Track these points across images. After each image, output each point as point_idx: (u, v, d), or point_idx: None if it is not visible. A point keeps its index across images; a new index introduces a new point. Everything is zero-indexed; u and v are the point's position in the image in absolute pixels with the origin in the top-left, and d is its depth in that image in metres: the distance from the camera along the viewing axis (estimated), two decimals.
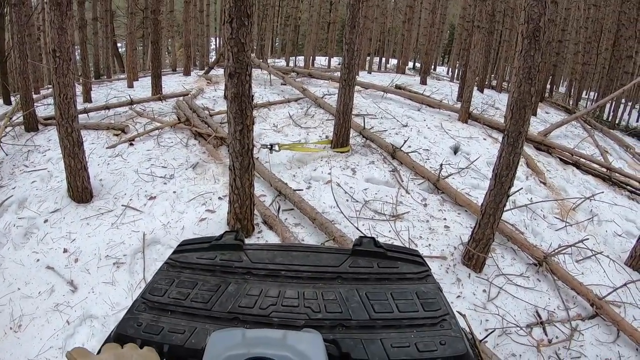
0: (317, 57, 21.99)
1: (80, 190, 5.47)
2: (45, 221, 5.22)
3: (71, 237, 4.93)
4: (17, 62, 8.05)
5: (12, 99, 11.26)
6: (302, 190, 5.78)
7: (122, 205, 5.45)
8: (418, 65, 22.51)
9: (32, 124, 8.04)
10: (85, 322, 3.98)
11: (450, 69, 23.09)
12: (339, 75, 6.68)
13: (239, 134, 4.23)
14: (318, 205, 5.40)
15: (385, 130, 7.71)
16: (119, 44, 22.53)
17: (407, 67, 18.42)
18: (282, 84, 10.67)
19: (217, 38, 24.78)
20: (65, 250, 4.74)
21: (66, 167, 5.39)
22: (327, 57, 22.28)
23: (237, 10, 3.84)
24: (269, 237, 4.86)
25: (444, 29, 21.01)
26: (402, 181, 6.23)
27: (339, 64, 21.90)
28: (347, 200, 5.69)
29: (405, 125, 8.06)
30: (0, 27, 11.72)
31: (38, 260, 4.64)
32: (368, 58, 19.42)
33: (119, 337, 1.00)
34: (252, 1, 3.98)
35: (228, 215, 4.87)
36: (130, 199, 5.58)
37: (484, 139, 8.17)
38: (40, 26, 17.73)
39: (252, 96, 4.28)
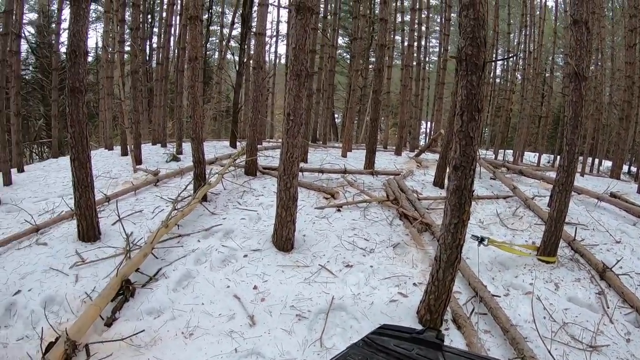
0: (525, 152, 21.12)
1: (284, 239, 6.12)
2: (245, 256, 5.93)
3: (264, 277, 5.48)
4: (249, 115, 9.89)
5: (238, 143, 13.33)
6: (499, 296, 5.48)
7: (318, 265, 5.87)
8: (633, 169, 20.14)
9: (252, 170, 9.51)
10: (251, 356, 4.25)
11: None
12: (552, 175, 6.21)
13: (453, 227, 4.26)
14: (513, 316, 5.02)
15: (596, 245, 6.91)
16: (335, 115, 25.11)
17: (622, 171, 16.35)
18: (491, 178, 10.57)
19: (428, 122, 25.84)
20: (255, 287, 5.27)
21: (277, 216, 6.13)
22: (537, 154, 21.21)
23: (468, 103, 3.99)
24: (455, 337, 4.65)
25: None
26: (608, 307, 5.44)
27: (548, 162, 21.01)
28: (545, 317, 5.16)
29: (619, 242, 7.09)
30: (238, 84, 14.62)
31: (228, 287, 5.24)
32: (581, 158, 17.84)
33: None
34: (483, 96, 4.06)
35: (420, 304, 4.85)
36: (328, 261, 5.98)
37: None
38: (270, 88, 20.89)
39: (473, 191, 4.27)
